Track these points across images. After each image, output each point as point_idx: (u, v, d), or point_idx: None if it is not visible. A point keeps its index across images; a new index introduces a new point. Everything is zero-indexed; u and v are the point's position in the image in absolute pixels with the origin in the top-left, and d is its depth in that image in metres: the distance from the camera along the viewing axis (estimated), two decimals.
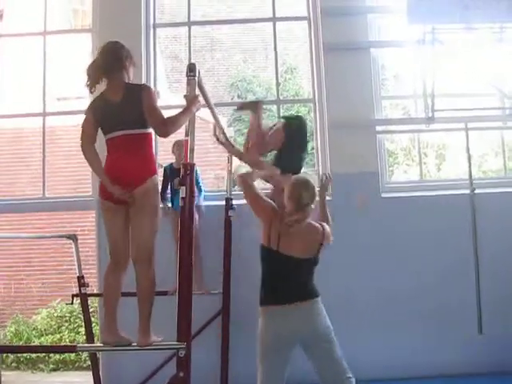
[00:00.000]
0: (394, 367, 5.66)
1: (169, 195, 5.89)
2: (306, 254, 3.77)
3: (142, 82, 3.37)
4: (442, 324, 5.87)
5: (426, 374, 5.62)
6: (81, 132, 3.57)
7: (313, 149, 6.69)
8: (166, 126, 3.40)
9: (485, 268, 5.92)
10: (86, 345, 5.85)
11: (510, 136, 7.63)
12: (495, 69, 6.24)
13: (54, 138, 8.91)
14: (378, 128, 6.37)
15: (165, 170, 5.95)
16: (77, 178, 9.70)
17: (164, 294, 5.26)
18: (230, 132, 10.38)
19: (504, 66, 6.24)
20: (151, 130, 3.52)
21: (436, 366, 5.72)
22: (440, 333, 5.86)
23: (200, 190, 5.89)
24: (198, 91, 3.47)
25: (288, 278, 3.76)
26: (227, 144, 5.14)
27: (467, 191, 6.08)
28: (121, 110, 3.42)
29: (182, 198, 3.12)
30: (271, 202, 3.90)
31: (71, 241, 5.89)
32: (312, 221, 3.88)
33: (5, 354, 8.94)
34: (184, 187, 3.10)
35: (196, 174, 5.85)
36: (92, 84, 3.57)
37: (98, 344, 4.21)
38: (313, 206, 3.84)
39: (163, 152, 6.77)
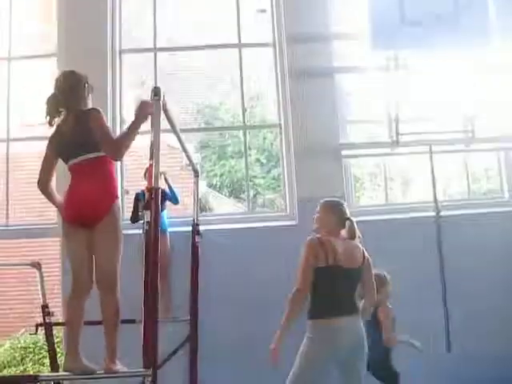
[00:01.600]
0: None
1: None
2: (351, 263, 3.87)
3: (95, 108, 3.35)
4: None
5: None
6: (40, 169, 3.66)
7: (279, 175, 6.71)
8: (115, 144, 3.39)
9: (451, 287, 5.97)
10: (49, 373, 5.69)
11: (473, 159, 7.77)
12: (458, 92, 6.35)
13: (17, 165, 8.79)
14: (344, 152, 6.42)
15: (136, 197, 5.89)
16: (40, 205, 9.54)
17: (132, 322, 5.18)
18: (197, 158, 10.36)
19: (465, 89, 6.35)
20: None
21: None
22: (408, 351, 5.86)
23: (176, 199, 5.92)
24: (162, 115, 3.45)
25: (341, 291, 3.84)
26: None
27: (433, 213, 6.15)
28: (72, 137, 3.47)
29: (147, 222, 3.08)
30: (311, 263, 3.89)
31: (35, 269, 5.78)
32: None
33: None
34: (149, 211, 3.05)
35: (172, 189, 5.90)
36: (51, 117, 3.62)
37: (62, 373, 4.08)
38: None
39: (130, 179, 6.72)
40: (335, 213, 4.04)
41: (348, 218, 4.03)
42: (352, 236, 4.00)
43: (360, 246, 4.01)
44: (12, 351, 9.92)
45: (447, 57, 6.25)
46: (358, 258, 3.94)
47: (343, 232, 4.02)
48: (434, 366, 5.78)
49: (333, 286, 3.81)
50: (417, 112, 6.82)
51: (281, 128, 6.56)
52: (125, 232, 6.09)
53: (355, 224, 4.03)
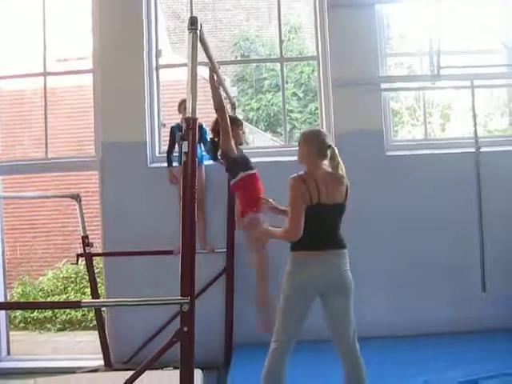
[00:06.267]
0: (396, 325, 5.70)
1: (176, 155, 5.83)
2: (334, 199, 3.73)
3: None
4: (444, 281, 5.88)
5: (428, 332, 5.65)
6: None
7: (316, 109, 6.62)
8: None
9: (488, 226, 5.90)
10: (90, 300, 5.88)
11: None
12: (502, 25, 6.13)
13: (55, 100, 8.85)
14: (383, 85, 6.28)
15: (171, 130, 5.89)
16: (79, 139, 9.67)
17: (170, 253, 5.31)
18: (233, 92, 10.28)
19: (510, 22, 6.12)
20: None
21: (438, 324, 5.74)
22: (442, 290, 5.88)
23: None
24: (199, 45, 3.40)
25: (325, 226, 3.75)
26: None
27: (472, 149, 6.03)
28: None
29: (185, 152, 3.07)
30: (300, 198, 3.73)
31: (75, 201, 5.90)
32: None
33: (13, 315, 9.06)
34: (186, 142, 3.03)
35: (205, 132, 5.87)
36: None
37: (103, 299, 4.22)
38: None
39: (167, 112, 6.73)
40: (313, 143, 3.80)
41: (330, 146, 3.79)
42: (334, 167, 3.79)
43: (345, 179, 3.81)
44: (55, 281, 10.25)
45: None
46: (341, 193, 3.78)
47: (326, 162, 3.82)
48: (469, 305, 5.81)
49: (316, 222, 3.69)
50: (459, 45, 6.62)
51: (318, 60, 6.43)
52: (157, 165, 6.23)
53: (337, 152, 3.79)
